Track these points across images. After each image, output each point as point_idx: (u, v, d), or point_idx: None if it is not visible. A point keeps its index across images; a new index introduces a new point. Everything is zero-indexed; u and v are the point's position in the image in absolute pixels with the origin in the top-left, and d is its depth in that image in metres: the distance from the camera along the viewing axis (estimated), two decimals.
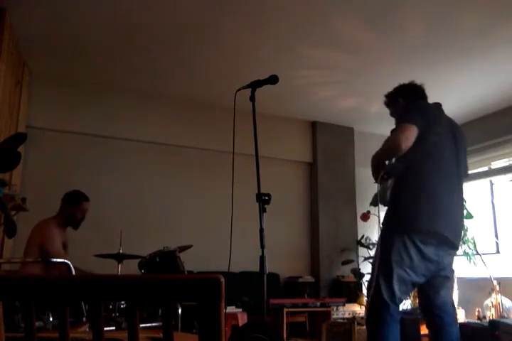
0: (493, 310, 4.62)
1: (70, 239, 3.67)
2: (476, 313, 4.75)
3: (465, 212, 5.44)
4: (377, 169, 2.38)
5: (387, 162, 2.41)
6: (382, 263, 2.24)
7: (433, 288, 2.32)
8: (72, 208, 3.56)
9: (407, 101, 2.60)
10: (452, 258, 2.41)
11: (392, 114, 2.71)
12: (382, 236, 2.32)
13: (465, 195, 2.56)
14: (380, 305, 2.19)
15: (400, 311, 2.24)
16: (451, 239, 2.28)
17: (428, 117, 2.36)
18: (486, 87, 5.09)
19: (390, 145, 2.27)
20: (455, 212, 2.36)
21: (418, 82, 2.67)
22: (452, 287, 2.53)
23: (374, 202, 2.45)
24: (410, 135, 2.22)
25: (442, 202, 2.28)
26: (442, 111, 2.55)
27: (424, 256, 2.21)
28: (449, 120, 2.54)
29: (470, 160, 5.91)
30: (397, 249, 2.21)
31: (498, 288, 4.66)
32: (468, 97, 5.37)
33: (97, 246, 3.55)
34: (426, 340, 3.92)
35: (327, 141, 6.45)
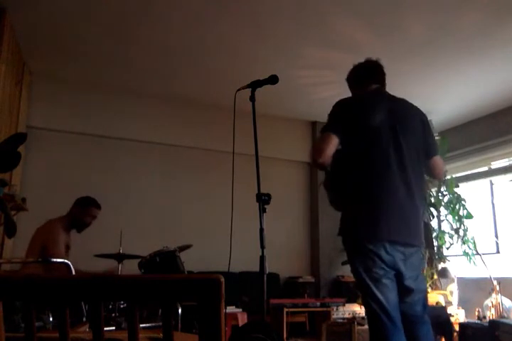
0: (493, 310, 4.62)
1: (72, 241, 3.69)
2: (476, 313, 4.75)
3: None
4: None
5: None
6: (356, 278, 2.19)
7: (400, 297, 2.21)
8: (82, 213, 3.60)
9: (354, 87, 2.61)
10: (415, 255, 2.26)
11: None
12: (344, 245, 2.26)
13: (424, 183, 2.33)
14: (375, 320, 2.11)
15: (394, 315, 2.10)
16: (402, 241, 2.17)
17: (355, 116, 2.26)
18: (486, 87, 5.08)
19: (311, 159, 2.22)
20: (402, 212, 2.19)
21: (374, 58, 2.57)
22: (425, 290, 2.37)
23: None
24: (326, 146, 2.14)
25: (383, 206, 2.16)
26: (383, 97, 2.39)
27: (380, 257, 2.12)
28: (391, 107, 2.33)
29: (470, 160, 5.98)
30: (357, 256, 2.16)
31: (498, 288, 4.66)
32: (468, 97, 5.36)
33: (97, 246, 3.55)
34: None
35: None
